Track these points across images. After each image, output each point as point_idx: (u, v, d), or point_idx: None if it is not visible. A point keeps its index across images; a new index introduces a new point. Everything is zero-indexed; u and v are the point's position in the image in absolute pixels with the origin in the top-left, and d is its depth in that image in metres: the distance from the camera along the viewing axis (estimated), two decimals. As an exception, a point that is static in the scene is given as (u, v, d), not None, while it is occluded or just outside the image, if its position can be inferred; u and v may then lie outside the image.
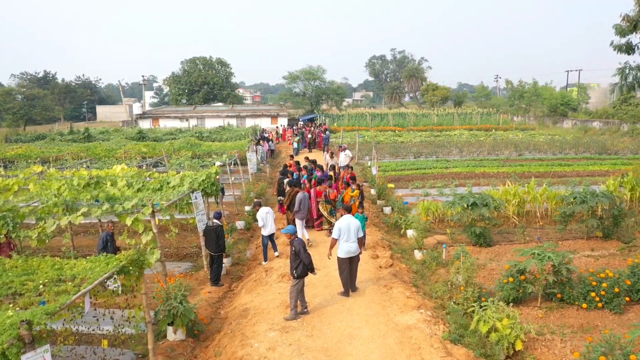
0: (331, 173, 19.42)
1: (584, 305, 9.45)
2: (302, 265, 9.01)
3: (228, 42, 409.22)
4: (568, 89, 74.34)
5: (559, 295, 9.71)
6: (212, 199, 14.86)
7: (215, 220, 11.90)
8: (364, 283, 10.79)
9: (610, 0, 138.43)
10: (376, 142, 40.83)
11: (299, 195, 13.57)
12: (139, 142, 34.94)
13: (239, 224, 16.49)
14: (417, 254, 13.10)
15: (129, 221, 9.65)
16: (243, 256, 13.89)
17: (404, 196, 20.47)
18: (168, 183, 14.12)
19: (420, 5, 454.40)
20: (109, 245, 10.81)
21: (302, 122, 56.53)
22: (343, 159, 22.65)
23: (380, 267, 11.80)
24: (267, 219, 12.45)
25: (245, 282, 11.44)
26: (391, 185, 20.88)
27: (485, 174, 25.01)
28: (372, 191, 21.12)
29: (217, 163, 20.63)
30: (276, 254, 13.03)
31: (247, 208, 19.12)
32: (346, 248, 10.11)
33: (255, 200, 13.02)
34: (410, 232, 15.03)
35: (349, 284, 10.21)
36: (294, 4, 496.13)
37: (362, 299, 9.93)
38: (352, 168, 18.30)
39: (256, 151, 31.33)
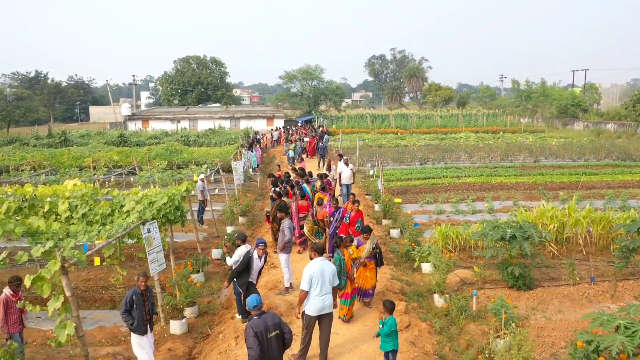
0: (318, 183, 16.58)
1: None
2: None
3: (226, 41, 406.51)
4: (571, 89, 71.41)
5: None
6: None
7: (242, 248, 9.41)
8: None
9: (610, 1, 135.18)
10: (378, 145, 38.03)
11: (286, 223, 10.57)
12: (119, 146, 32.04)
13: (215, 253, 13.53)
14: (438, 300, 10.16)
15: (27, 281, 6.71)
16: (215, 301, 10.90)
17: (414, 214, 17.55)
18: (121, 207, 11.16)
19: (420, 5, 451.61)
20: (136, 308, 7.59)
21: (300, 124, 53.66)
22: (347, 173, 18.27)
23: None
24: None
25: (209, 351, 8.46)
26: (398, 200, 17.94)
27: (503, 185, 22.08)
28: (377, 207, 18.18)
29: (200, 175, 17.66)
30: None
31: (230, 229, 16.19)
32: (318, 304, 7.46)
33: (239, 233, 9.97)
34: (426, 267, 12.09)
35: (310, 349, 7.74)
36: (292, 3, 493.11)
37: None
38: (358, 202, 12.34)
39: (248, 157, 28.42)
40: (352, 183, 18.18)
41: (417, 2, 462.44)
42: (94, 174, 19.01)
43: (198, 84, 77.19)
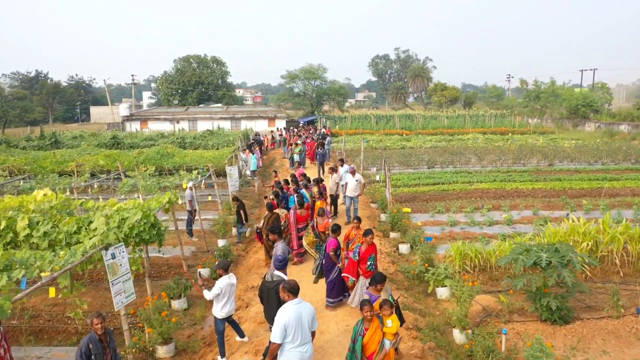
0: (315, 189, 15.11)
1: None
2: None
3: (229, 41, 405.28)
4: (579, 89, 69.56)
5: None
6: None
7: (277, 273, 7.84)
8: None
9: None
10: (383, 147, 36.43)
11: (279, 247, 8.94)
12: (111, 149, 30.52)
13: (202, 273, 11.95)
14: (459, 337, 8.58)
15: None
16: (197, 334, 9.31)
17: (425, 225, 15.95)
18: (90, 223, 9.62)
19: (423, 4, 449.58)
20: (95, 359, 6.15)
21: (302, 124, 52.14)
22: (352, 185, 15.93)
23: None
24: (229, 292, 7.88)
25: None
26: (407, 209, 16.37)
27: (519, 192, 20.45)
28: (383, 217, 16.59)
29: (189, 183, 16.12)
30: (244, 339, 8.50)
31: (221, 242, 14.64)
32: (296, 357, 5.94)
33: (221, 260, 8.35)
34: (442, 291, 10.51)
35: None
36: (296, 3, 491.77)
37: None
38: (372, 233, 9.30)
39: (246, 160, 26.82)
40: (359, 195, 16.19)
41: (421, 1, 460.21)
42: (72, 182, 17.45)
43: (198, 83, 75.67)
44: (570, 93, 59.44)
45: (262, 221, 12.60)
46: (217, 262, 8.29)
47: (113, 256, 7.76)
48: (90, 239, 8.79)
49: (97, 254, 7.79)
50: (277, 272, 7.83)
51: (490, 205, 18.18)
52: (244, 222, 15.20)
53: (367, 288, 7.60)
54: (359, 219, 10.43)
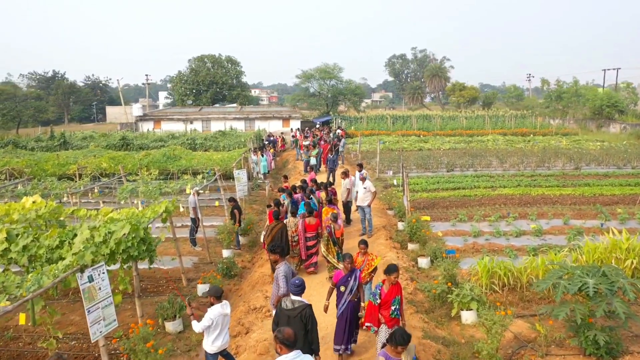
0: (323, 194, 14.14)
1: None
2: None
3: (246, 42, 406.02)
4: (602, 89, 67.29)
5: None
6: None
7: (296, 298, 6.53)
8: None
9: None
10: (400, 149, 35.18)
11: (282, 270, 7.77)
12: (120, 150, 29.80)
13: (202, 289, 10.93)
14: (489, 373, 7.42)
15: None
16: (189, 364, 8.27)
17: (445, 235, 14.75)
18: (74, 237, 8.65)
19: (440, 3, 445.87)
20: None
21: (318, 125, 51.06)
22: (360, 193, 14.71)
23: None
24: (221, 324, 6.81)
25: None
26: (426, 217, 15.21)
27: (545, 199, 19.13)
28: (400, 225, 15.43)
29: (194, 188, 15.16)
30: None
31: (226, 253, 13.64)
32: None
33: (212, 286, 7.18)
34: (467, 315, 9.33)
35: None
36: (312, 3, 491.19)
37: None
38: (397, 270, 7.49)
39: (257, 162, 25.81)
40: (369, 204, 14.56)
41: (438, 0, 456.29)
42: (69, 187, 16.54)
43: (213, 83, 74.99)
44: (593, 93, 57.48)
45: (264, 231, 11.58)
46: (207, 289, 7.18)
47: (90, 279, 6.75)
48: (75, 253, 7.80)
49: (72, 276, 6.79)
50: (296, 298, 6.67)
51: (516, 213, 16.90)
52: (240, 224, 14.27)
53: (384, 347, 5.88)
54: (365, 243, 8.84)
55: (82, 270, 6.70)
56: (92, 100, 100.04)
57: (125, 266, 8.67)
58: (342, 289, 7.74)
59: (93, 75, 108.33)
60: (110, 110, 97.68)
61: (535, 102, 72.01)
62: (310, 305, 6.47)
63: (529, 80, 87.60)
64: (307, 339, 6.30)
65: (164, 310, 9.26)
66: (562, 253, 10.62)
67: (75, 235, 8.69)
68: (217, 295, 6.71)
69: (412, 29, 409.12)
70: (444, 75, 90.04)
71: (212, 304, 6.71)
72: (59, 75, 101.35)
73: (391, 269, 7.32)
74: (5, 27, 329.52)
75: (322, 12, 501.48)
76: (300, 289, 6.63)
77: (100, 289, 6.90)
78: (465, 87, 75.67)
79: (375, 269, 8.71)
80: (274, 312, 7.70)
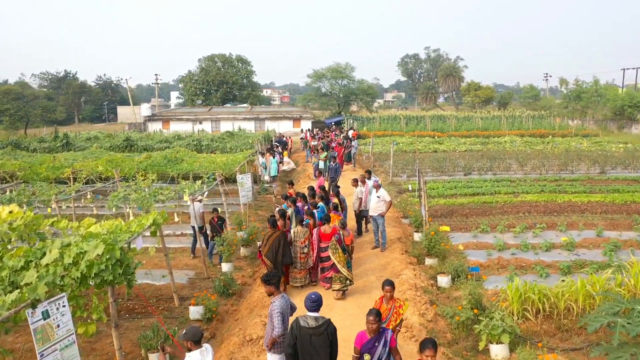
0: (336, 200, 12.92)
1: None
2: None
3: (258, 41, 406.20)
4: (621, 89, 65.18)
5: None
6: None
7: (312, 314, 5.86)
8: None
9: None
10: (415, 151, 33.82)
11: (276, 305, 6.35)
12: (124, 151, 28.79)
13: (195, 313, 9.72)
14: None
15: None
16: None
17: (467, 248, 13.42)
18: (42, 256, 7.49)
19: (453, 2, 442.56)
20: None
21: (330, 125, 49.83)
22: (372, 203, 13.22)
23: None
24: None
25: None
26: (446, 228, 13.90)
27: (573, 206, 17.70)
28: (417, 236, 14.12)
29: (191, 195, 13.99)
30: None
31: (225, 267, 12.44)
32: None
33: (189, 328, 5.80)
34: (497, 350, 8.01)
35: None
36: (324, 3, 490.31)
37: None
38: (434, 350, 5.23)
39: (266, 164, 24.59)
40: (382, 214, 13.07)
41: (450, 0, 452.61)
42: (57, 193, 15.44)
43: (223, 83, 74.05)
44: (615, 93, 55.60)
45: (262, 241, 10.41)
46: (184, 331, 5.89)
47: (46, 315, 5.57)
48: (25, 285, 6.59)
49: (23, 313, 5.60)
50: (313, 314, 5.87)
51: (542, 223, 15.48)
52: (219, 234, 12.80)
53: None
54: (391, 284, 6.80)
55: (33, 306, 5.51)
56: (104, 100, 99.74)
57: (99, 292, 7.50)
58: (367, 358, 5.64)
59: (105, 75, 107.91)
60: (122, 111, 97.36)
61: (553, 102, 70.07)
62: (330, 320, 5.91)
63: (546, 79, 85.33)
64: (331, 356, 5.88)
65: (147, 340, 8.06)
66: (604, 275, 9.26)
67: (45, 254, 7.52)
68: (194, 340, 5.47)
69: (424, 29, 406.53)
70: (458, 75, 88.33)
71: (189, 350, 5.47)
72: (71, 75, 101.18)
73: (426, 344, 5.23)
74: (19, 28, 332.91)
75: (336, 12, 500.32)
76: (316, 304, 5.90)
77: (59, 326, 5.72)
78: (480, 86, 74.01)
79: (401, 321, 6.98)
80: (268, 355, 6.43)
